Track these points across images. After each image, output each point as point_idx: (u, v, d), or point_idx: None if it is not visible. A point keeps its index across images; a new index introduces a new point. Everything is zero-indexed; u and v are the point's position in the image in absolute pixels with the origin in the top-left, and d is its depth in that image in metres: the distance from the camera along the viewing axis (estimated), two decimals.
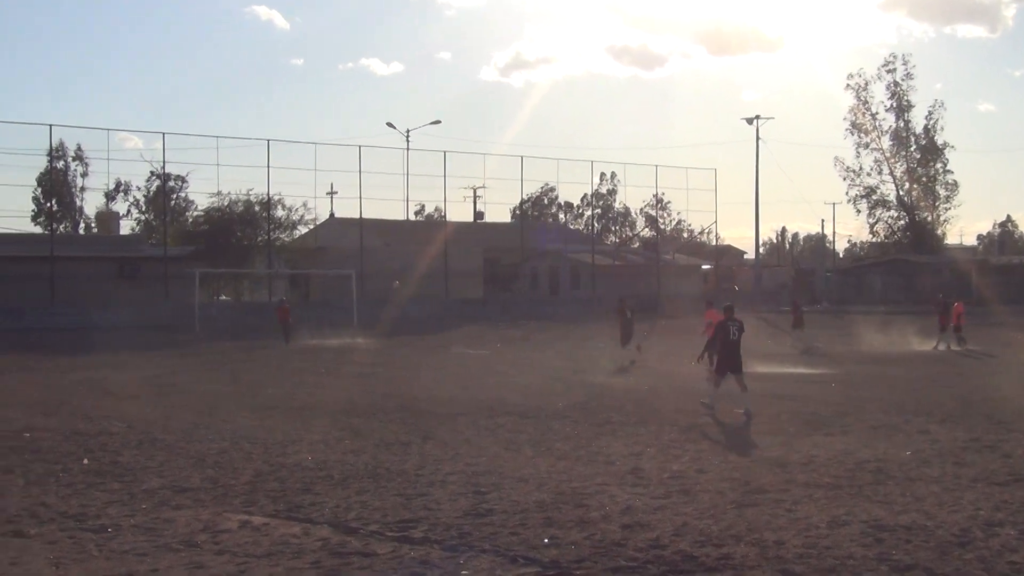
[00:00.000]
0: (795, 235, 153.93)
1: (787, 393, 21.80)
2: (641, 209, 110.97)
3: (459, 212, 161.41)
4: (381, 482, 12.39)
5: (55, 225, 74.59)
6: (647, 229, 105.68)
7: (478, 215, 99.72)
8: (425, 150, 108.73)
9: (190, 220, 78.86)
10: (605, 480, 12.36)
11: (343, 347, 39.30)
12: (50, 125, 61.83)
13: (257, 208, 69.90)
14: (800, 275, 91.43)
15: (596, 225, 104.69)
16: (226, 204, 69.74)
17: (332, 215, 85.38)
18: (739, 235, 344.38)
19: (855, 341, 40.24)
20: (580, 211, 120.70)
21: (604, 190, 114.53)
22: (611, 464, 13.47)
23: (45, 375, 27.93)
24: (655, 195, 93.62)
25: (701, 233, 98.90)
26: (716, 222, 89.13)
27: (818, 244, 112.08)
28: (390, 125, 72.81)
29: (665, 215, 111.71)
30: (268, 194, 67.90)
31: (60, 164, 79.23)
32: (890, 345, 37.90)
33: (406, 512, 10.79)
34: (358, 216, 68.11)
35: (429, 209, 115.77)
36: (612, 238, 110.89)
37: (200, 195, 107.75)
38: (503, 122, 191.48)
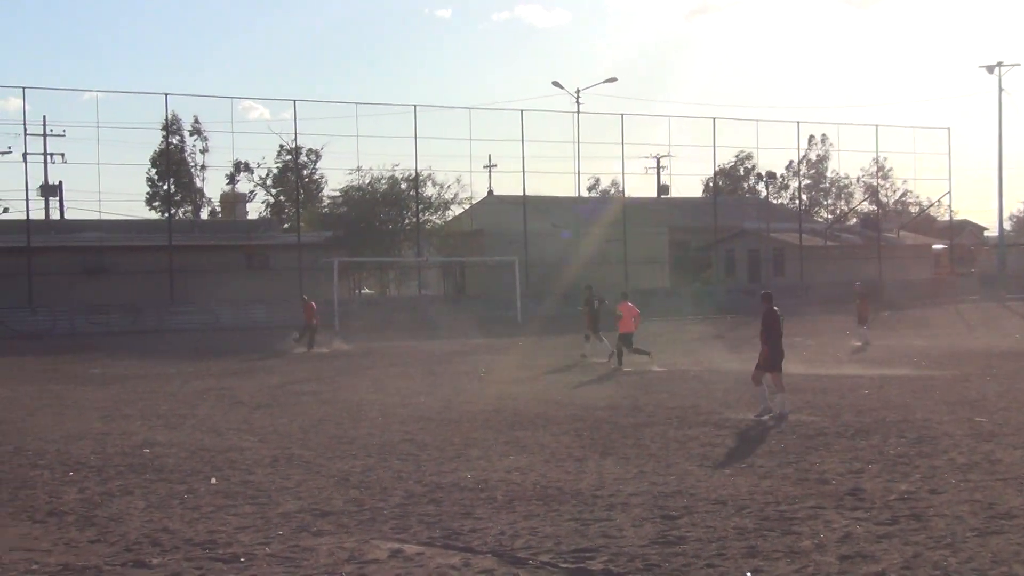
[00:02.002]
0: None
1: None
2: (859, 179, 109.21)
3: (640, 186, 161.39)
4: (552, 505, 12.50)
5: (173, 210, 76.51)
6: (866, 202, 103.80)
7: (662, 189, 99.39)
8: (599, 113, 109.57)
9: (325, 201, 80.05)
10: (819, 502, 12.27)
11: (505, 347, 39.62)
12: (165, 94, 63.72)
13: (403, 186, 70.44)
14: None
15: (804, 198, 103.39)
16: (367, 182, 70.56)
17: (490, 192, 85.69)
18: (979, 208, 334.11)
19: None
20: (784, 182, 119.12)
21: (813, 156, 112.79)
22: (825, 483, 13.36)
23: (166, 383, 28.80)
24: (875, 161, 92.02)
25: (931, 206, 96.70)
26: (950, 192, 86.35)
27: None
28: (557, 85, 72.86)
29: (887, 185, 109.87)
30: (416, 169, 68.33)
31: (176, 140, 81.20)
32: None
33: (582, 540, 10.87)
34: (521, 193, 68.33)
35: (604, 183, 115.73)
36: (824, 214, 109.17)
37: (337, 171, 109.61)
38: (690, 78, 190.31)
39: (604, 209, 71.47)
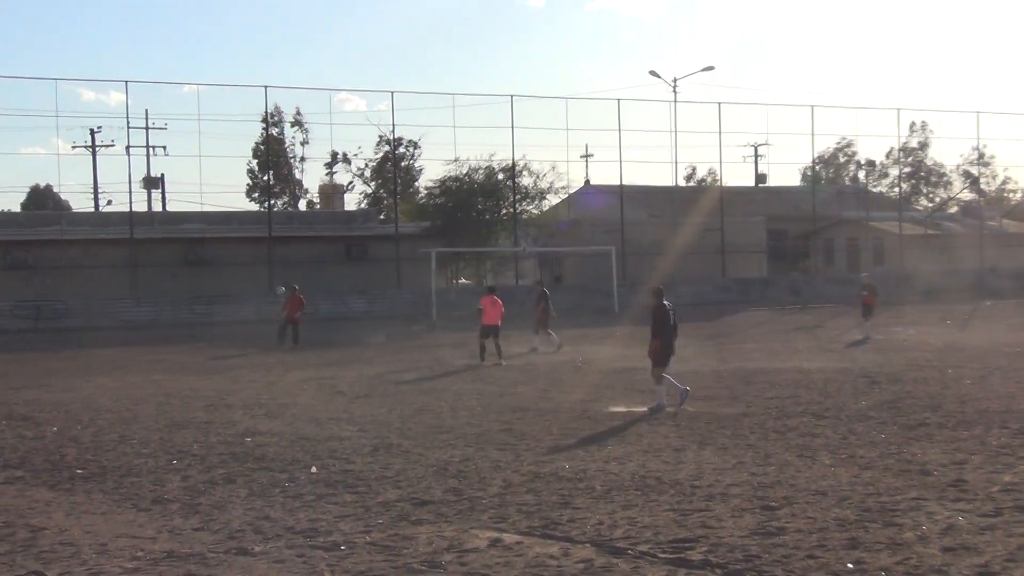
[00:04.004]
0: None
1: None
2: (958, 166, 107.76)
3: (737, 175, 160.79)
4: (651, 495, 12.47)
5: (272, 201, 77.05)
6: (967, 190, 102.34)
7: (760, 178, 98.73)
8: (696, 102, 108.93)
9: (422, 192, 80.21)
10: (921, 494, 12.13)
11: (602, 337, 39.56)
12: (265, 87, 64.34)
13: (500, 176, 70.40)
14: None
15: (903, 187, 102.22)
16: (464, 172, 70.60)
17: (587, 182, 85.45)
18: None
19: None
20: (884, 170, 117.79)
21: (914, 143, 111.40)
22: (927, 475, 13.20)
23: (267, 372, 29.11)
24: (975, 148, 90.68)
25: None
26: None
27: None
28: (654, 74, 72.30)
29: (988, 172, 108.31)
30: (512, 159, 68.33)
31: (276, 131, 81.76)
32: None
33: (681, 530, 10.83)
34: (618, 183, 68.16)
35: (701, 172, 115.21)
36: (924, 202, 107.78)
37: (434, 162, 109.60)
38: (788, 65, 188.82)
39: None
